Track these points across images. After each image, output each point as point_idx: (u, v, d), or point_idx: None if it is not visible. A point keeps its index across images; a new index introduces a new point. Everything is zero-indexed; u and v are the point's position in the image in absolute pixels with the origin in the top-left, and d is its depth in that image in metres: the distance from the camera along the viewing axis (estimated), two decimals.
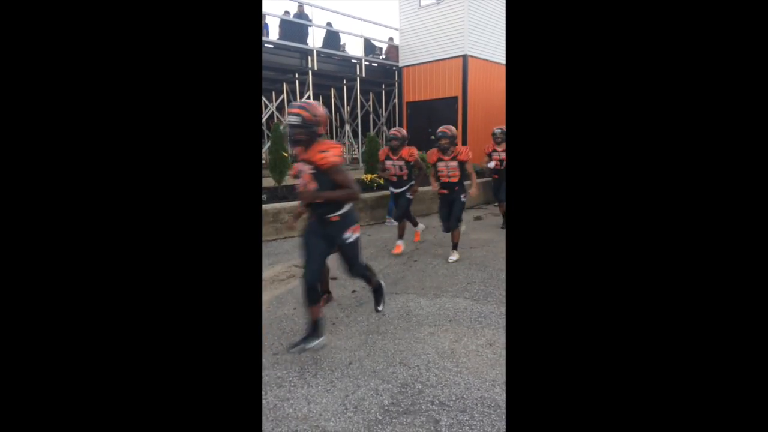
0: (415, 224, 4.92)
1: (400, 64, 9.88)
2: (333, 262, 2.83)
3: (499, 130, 5.42)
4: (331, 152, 2.23)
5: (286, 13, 8.69)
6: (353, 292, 3.39)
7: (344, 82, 9.25)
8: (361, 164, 8.74)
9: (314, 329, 2.43)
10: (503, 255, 4.44)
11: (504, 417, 1.84)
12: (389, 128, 10.21)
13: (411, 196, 4.47)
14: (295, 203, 5.51)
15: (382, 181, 6.92)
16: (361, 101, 9.39)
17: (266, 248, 4.80)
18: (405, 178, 4.46)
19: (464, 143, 8.27)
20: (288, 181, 6.41)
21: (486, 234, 5.36)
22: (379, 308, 2.91)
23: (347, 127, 9.53)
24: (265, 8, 7.78)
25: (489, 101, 9.35)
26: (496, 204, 6.08)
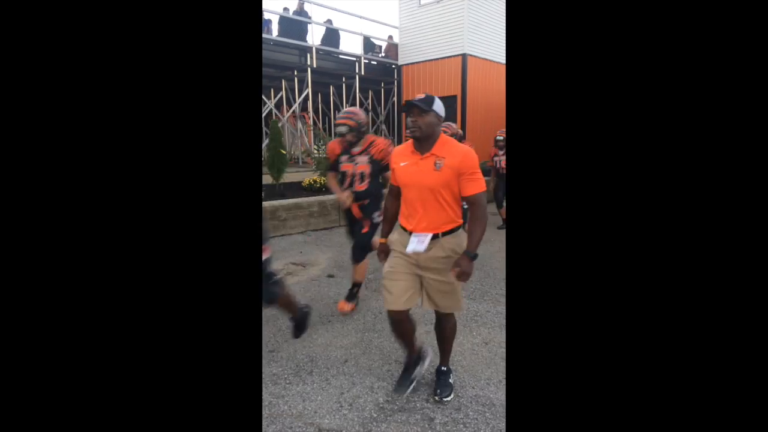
0: None
1: (400, 62, 9.87)
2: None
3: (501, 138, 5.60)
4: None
5: (286, 9, 8.67)
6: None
7: (343, 80, 9.23)
8: None
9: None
10: (499, 254, 4.44)
11: (498, 415, 1.85)
12: (388, 127, 10.20)
13: None
14: (290, 201, 5.50)
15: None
16: (360, 99, 9.38)
17: None
18: None
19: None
20: (286, 178, 6.40)
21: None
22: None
23: None
24: (264, 5, 7.76)
25: (488, 100, 9.35)
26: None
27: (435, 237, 1.77)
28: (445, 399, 1.94)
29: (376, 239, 2.70)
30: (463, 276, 1.68)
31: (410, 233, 1.79)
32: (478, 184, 1.72)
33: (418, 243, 1.76)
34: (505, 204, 5.59)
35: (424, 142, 1.74)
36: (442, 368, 2.05)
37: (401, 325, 1.91)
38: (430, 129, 1.72)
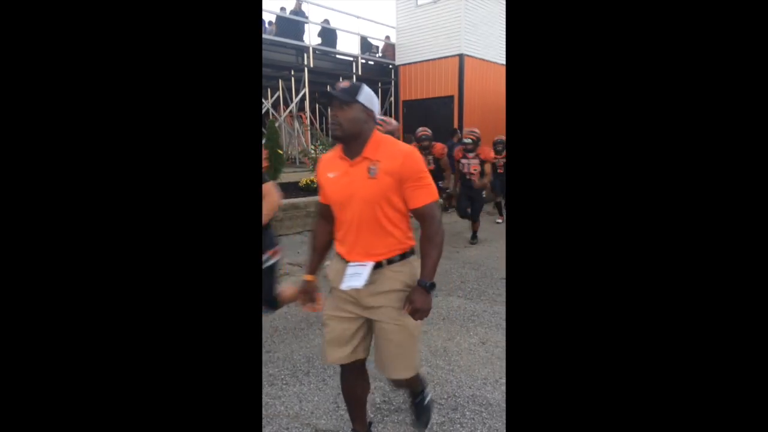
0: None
1: (397, 62, 9.87)
2: None
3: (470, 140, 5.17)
4: None
5: (283, 9, 8.66)
6: None
7: (340, 79, 9.22)
8: None
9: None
10: (497, 254, 4.45)
11: (495, 415, 1.85)
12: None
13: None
14: (287, 201, 5.49)
15: None
16: None
17: None
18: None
19: (461, 142, 8.29)
20: (283, 178, 6.40)
21: (479, 233, 5.37)
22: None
23: None
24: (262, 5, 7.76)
25: (485, 100, 9.36)
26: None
27: (378, 266, 1.34)
28: (425, 427, 1.70)
29: (286, 288, 2.24)
30: (419, 314, 1.32)
31: (347, 262, 1.37)
32: (427, 192, 1.32)
33: (354, 276, 1.33)
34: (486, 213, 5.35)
35: (351, 144, 1.33)
36: (416, 400, 1.67)
37: (351, 383, 1.50)
38: (355, 126, 1.30)
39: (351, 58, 9.52)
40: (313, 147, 7.88)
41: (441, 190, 4.86)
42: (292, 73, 8.35)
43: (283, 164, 6.32)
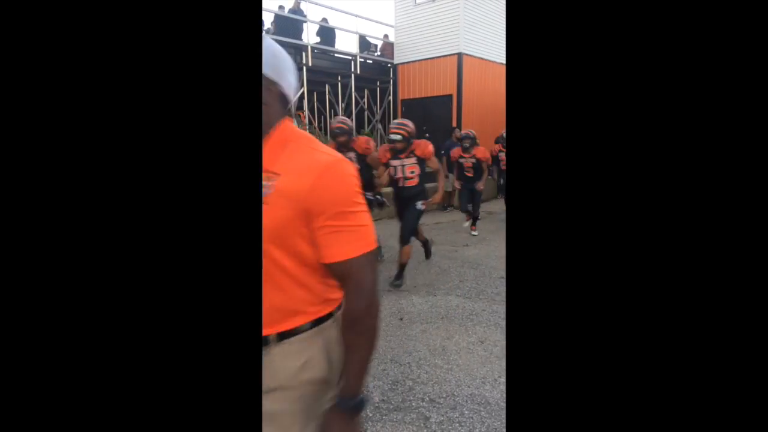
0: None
1: (395, 61, 9.86)
2: None
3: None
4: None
5: (281, 8, 8.64)
6: None
7: (339, 78, 9.21)
8: None
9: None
10: (496, 253, 4.46)
11: (494, 414, 1.85)
12: (384, 126, 10.20)
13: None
14: None
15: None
16: (355, 98, 9.36)
17: None
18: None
19: (459, 141, 8.28)
20: None
21: (478, 232, 5.38)
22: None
23: None
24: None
25: (484, 99, 9.37)
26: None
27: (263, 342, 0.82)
28: None
29: None
30: None
31: None
32: (353, 239, 0.77)
33: None
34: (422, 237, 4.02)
35: None
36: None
37: None
38: None
39: (349, 57, 9.51)
40: None
41: (378, 204, 3.90)
42: None
43: None
